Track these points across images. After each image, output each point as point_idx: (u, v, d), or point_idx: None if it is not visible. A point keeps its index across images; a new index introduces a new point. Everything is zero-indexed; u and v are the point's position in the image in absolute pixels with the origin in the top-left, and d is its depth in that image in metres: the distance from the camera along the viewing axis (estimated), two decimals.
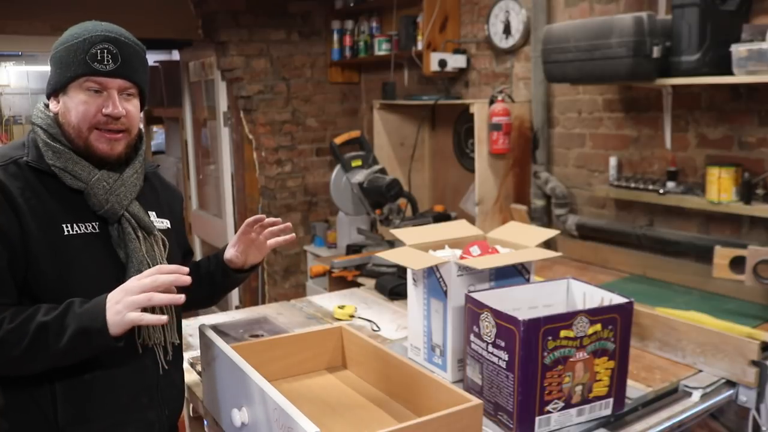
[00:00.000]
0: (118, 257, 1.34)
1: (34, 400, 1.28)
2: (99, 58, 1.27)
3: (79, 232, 1.30)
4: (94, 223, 1.32)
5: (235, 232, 1.59)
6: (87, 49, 1.28)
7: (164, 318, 1.23)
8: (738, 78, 2.05)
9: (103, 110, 1.29)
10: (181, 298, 1.24)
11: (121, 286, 1.23)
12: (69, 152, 1.31)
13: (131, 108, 1.34)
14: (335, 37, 4.18)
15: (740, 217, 2.33)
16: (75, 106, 1.30)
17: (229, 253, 1.60)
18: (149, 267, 1.33)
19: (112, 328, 1.20)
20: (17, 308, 1.23)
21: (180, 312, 1.48)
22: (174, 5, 4.02)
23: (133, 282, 1.23)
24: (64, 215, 1.29)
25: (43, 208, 1.27)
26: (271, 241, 1.59)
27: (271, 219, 1.57)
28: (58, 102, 1.33)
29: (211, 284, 1.64)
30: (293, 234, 1.60)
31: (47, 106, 1.36)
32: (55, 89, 1.33)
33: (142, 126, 1.45)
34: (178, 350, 1.48)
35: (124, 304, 1.20)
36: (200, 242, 5.23)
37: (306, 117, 4.31)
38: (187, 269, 1.26)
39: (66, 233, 1.28)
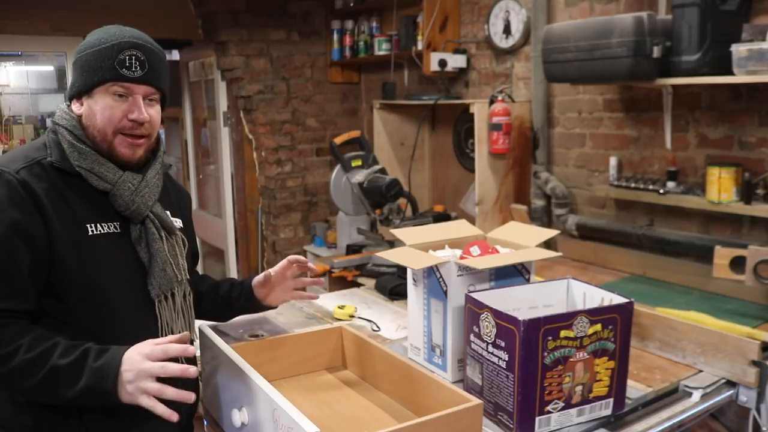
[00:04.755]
0: (138, 256, 1.37)
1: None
2: (127, 64, 1.30)
3: (102, 231, 1.32)
4: (115, 223, 1.35)
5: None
6: (115, 54, 1.30)
7: (175, 416, 1.17)
8: (738, 78, 2.05)
9: (129, 116, 1.33)
10: (192, 370, 1.18)
11: (138, 349, 1.20)
12: (94, 153, 1.33)
13: (154, 113, 1.37)
14: (335, 37, 4.18)
15: (740, 217, 2.33)
16: (101, 109, 1.32)
17: (258, 286, 1.68)
18: (172, 267, 1.38)
19: (121, 397, 1.19)
20: (38, 334, 1.22)
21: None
22: (174, 5, 4.02)
23: (147, 348, 1.20)
24: (88, 215, 1.31)
25: (68, 208, 1.29)
26: (294, 294, 1.73)
27: (311, 265, 1.69)
28: (82, 104, 1.35)
29: (227, 308, 1.73)
30: (322, 279, 1.73)
31: (69, 107, 1.37)
32: (80, 92, 1.34)
33: (162, 129, 1.47)
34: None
35: (137, 387, 1.17)
36: (200, 242, 5.22)
37: (306, 117, 4.31)
38: (194, 349, 1.23)
39: (90, 233, 1.30)
